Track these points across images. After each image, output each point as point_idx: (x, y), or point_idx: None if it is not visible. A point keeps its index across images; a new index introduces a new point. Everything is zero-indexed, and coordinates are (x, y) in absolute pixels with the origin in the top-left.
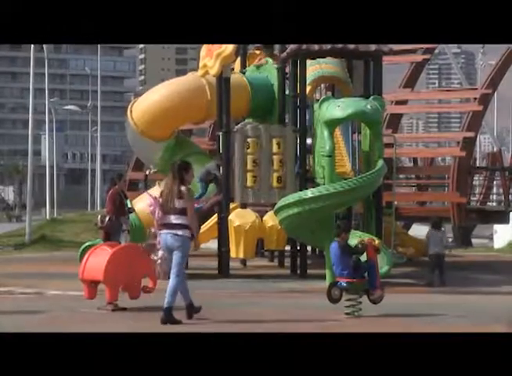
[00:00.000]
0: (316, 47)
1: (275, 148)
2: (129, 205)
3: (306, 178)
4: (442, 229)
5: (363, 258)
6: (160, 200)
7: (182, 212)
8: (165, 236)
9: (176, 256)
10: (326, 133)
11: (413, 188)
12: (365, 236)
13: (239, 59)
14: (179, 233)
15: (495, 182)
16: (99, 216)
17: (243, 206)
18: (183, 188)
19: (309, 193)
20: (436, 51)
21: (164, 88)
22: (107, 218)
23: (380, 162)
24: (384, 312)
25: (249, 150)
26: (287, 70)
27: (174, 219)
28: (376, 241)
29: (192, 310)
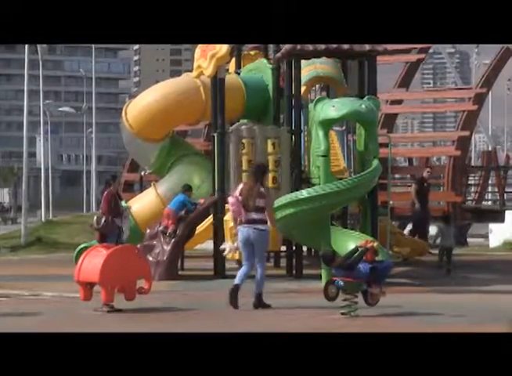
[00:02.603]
0: (311, 47)
1: (270, 148)
2: (125, 206)
3: (301, 179)
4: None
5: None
6: (240, 198)
7: (261, 210)
8: (247, 231)
9: (259, 249)
10: (320, 133)
11: (408, 188)
12: (361, 238)
13: (233, 59)
14: (260, 227)
15: (490, 181)
16: (95, 217)
17: None
18: (263, 189)
19: (305, 193)
20: (431, 50)
21: (159, 90)
22: (103, 220)
23: (375, 162)
24: (380, 312)
25: (244, 151)
26: (282, 70)
27: (255, 215)
28: (375, 243)
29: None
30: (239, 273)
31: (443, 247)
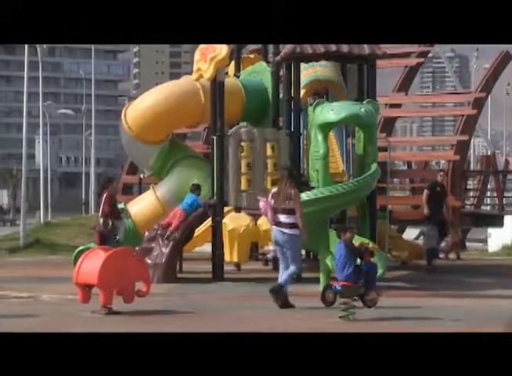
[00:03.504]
0: (310, 50)
1: (269, 151)
2: (122, 207)
3: (300, 182)
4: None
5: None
6: (273, 201)
7: (291, 212)
8: (275, 233)
9: (288, 252)
10: (319, 137)
11: (407, 191)
12: (359, 240)
13: (233, 62)
14: (286, 230)
15: (489, 186)
16: (101, 220)
17: (237, 209)
18: (293, 191)
19: (304, 196)
20: (430, 54)
21: (158, 92)
22: (110, 222)
23: (375, 165)
24: (378, 316)
25: (243, 154)
26: (281, 73)
27: (284, 218)
28: (370, 244)
29: (279, 295)
30: (279, 276)
31: (430, 250)
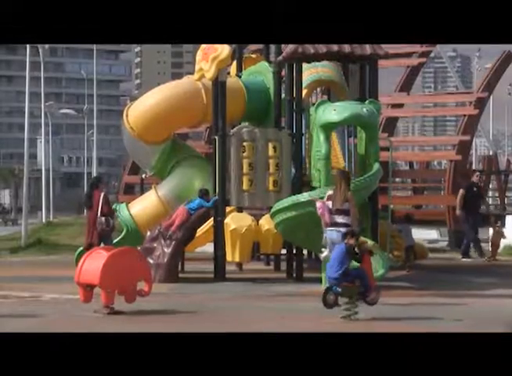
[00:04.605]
0: (312, 50)
1: (271, 152)
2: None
3: (302, 182)
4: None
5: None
6: (329, 203)
7: (346, 213)
8: (331, 233)
9: None
10: (321, 137)
11: (409, 191)
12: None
13: (235, 62)
14: (343, 230)
15: (490, 186)
16: (103, 219)
17: (239, 209)
18: (350, 193)
19: (306, 196)
20: (432, 54)
21: (160, 92)
22: (111, 222)
23: (376, 165)
24: (378, 316)
25: (245, 154)
26: (283, 73)
27: (339, 219)
28: (370, 243)
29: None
30: None
31: (410, 248)
